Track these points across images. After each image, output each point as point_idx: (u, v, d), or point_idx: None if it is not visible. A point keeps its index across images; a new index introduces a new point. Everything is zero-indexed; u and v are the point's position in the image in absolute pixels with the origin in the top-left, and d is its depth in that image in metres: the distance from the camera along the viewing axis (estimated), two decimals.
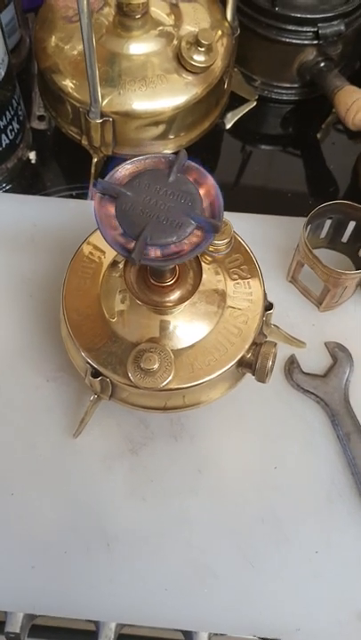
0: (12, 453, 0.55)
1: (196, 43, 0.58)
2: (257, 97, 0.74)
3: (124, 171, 0.41)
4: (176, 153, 0.41)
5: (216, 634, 0.53)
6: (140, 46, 0.60)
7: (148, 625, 0.52)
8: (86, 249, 0.53)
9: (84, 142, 0.63)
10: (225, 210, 0.52)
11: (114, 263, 0.52)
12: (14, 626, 0.51)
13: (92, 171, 0.65)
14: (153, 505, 0.54)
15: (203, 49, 0.58)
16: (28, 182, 0.71)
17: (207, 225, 0.39)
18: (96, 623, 0.53)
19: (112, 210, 0.39)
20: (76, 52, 0.61)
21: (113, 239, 0.39)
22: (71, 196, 0.69)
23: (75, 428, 0.55)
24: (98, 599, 0.52)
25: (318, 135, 0.76)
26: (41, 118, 0.73)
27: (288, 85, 0.73)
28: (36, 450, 0.56)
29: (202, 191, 0.40)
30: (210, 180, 0.40)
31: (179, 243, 0.39)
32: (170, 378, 0.47)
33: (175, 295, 0.49)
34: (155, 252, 0.39)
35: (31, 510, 0.54)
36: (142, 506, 0.54)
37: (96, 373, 0.49)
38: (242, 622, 0.51)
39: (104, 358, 0.49)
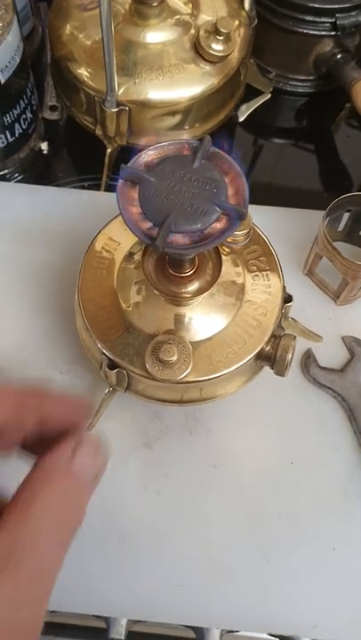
0: None
1: (214, 31, 0.57)
2: (272, 89, 0.74)
3: (147, 157, 0.40)
4: (201, 139, 0.40)
5: (229, 631, 0.53)
6: (156, 35, 0.59)
7: (162, 621, 0.52)
8: (101, 240, 0.53)
9: (99, 132, 0.62)
10: None
11: (130, 254, 0.51)
12: None
13: (106, 161, 0.64)
14: (168, 499, 0.53)
15: (221, 38, 0.57)
16: (39, 173, 0.70)
17: (233, 212, 0.38)
18: (106, 620, 0.53)
19: (135, 196, 0.39)
20: (91, 41, 0.60)
21: (136, 226, 0.38)
22: (83, 187, 0.69)
23: (89, 422, 0.54)
24: (111, 594, 0.51)
25: (333, 130, 0.75)
26: (53, 108, 0.72)
27: (304, 78, 0.72)
28: None
29: (227, 178, 0.39)
30: (235, 166, 0.39)
31: (203, 230, 0.38)
32: (188, 370, 0.46)
33: (194, 286, 0.48)
34: (179, 240, 0.38)
35: None
36: (157, 500, 0.53)
37: (112, 365, 0.49)
38: (257, 619, 0.51)
39: (120, 350, 0.48)
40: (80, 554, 0.52)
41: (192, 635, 0.53)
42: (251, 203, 0.62)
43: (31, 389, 0.35)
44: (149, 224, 0.38)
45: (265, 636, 0.53)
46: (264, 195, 0.69)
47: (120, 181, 0.39)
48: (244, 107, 0.73)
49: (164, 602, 0.51)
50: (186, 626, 0.53)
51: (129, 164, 0.39)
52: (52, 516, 0.31)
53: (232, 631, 0.53)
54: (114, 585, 0.51)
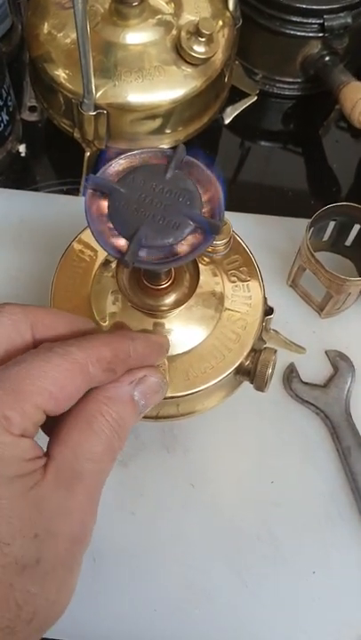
0: None
1: (196, 32, 0.55)
2: (258, 91, 0.71)
3: (117, 166, 0.38)
4: (174, 148, 0.38)
5: None
6: (137, 36, 0.57)
7: None
8: (77, 247, 0.50)
9: (77, 135, 0.60)
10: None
11: (106, 262, 0.49)
12: None
13: (85, 165, 0.62)
14: (143, 520, 0.51)
15: (203, 39, 0.55)
16: (17, 176, 0.67)
17: (207, 225, 0.36)
18: None
19: (104, 207, 0.36)
20: (69, 41, 0.58)
21: (104, 239, 0.36)
22: (62, 192, 0.66)
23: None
24: (82, 618, 0.49)
25: (321, 134, 0.73)
26: (32, 109, 0.69)
27: (291, 80, 0.70)
28: None
29: (202, 189, 0.37)
30: (211, 176, 0.37)
31: (176, 244, 0.36)
32: None
33: (170, 299, 0.46)
34: (149, 255, 0.36)
35: None
36: (132, 520, 0.51)
37: None
38: None
39: None
40: None
41: None
42: (235, 209, 0.61)
43: (120, 335, 0.36)
44: (120, 237, 0.36)
45: None
46: (250, 200, 0.67)
47: (88, 192, 0.37)
48: (229, 109, 0.71)
49: (137, 626, 0.49)
50: None
51: (98, 174, 0.37)
52: (107, 438, 0.33)
53: None
54: (85, 608, 0.49)
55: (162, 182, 0.36)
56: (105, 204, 0.37)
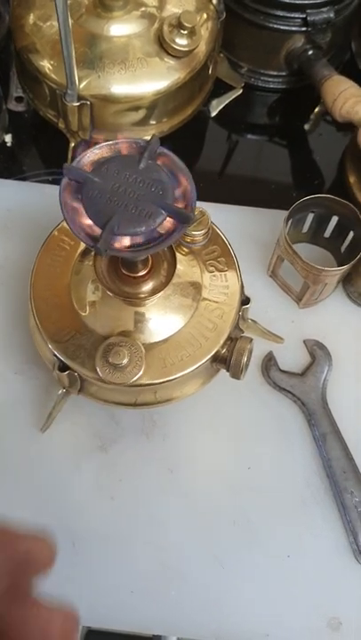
0: None
1: (178, 25, 0.56)
2: (243, 84, 0.72)
3: (92, 156, 0.39)
4: (148, 139, 0.38)
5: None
6: (120, 27, 0.57)
7: (113, 629, 0.51)
8: (58, 235, 0.51)
9: (61, 126, 0.61)
10: (204, 200, 0.50)
11: (86, 251, 0.50)
12: None
13: (69, 155, 0.62)
14: (121, 504, 0.52)
15: (185, 32, 0.56)
16: (3, 166, 0.68)
17: (178, 215, 0.37)
18: None
19: (79, 196, 0.37)
20: (54, 32, 0.58)
21: (78, 227, 0.37)
22: (48, 182, 0.67)
23: (42, 423, 0.53)
24: (60, 600, 0.50)
25: (306, 127, 0.74)
26: (19, 100, 0.70)
27: (275, 73, 0.71)
28: (1, 444, 0.53)
29: (174, 180, 0.38)
30: (183, 167, 0.38)
31: (148, 233, 0.37)
32: (140, 373, 0.45)
33: (148, 286, 0.47)
34: (122, 243, 0.37)
35: None
36: (110, 505, 0.52)
37: (64, 367, 0.47)
38: (209, 627, 0.50)
39: (72, 351, 0.47)
40: None
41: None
42: (219, 199, 0.62)
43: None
44: (94, 226, 0.37)
45: None
46: (233, 192, 0.68)
47: (63, 181, 0.38)
48: (215, 102, 0.72)
49: (114, 608, 0.50)
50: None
51: (73, 163, 0.38)
52: None
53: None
54: (63, 591, 0.50)
55: (135, 172, 0.37)
56: (79, 192, 0.37)
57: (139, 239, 0.37)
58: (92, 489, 0.52)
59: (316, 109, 0.74)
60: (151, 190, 0.37)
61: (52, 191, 0.64)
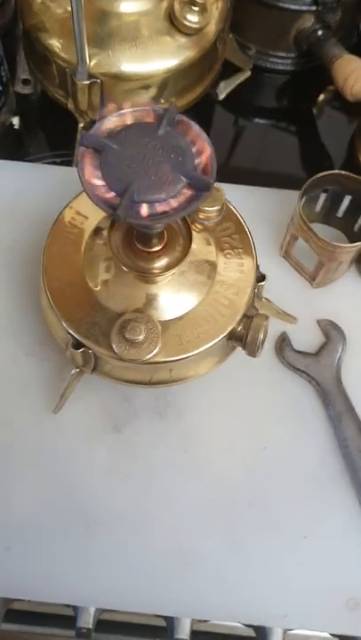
0: None
1: (189, 2, 0.55)
2: (251, 66, 0.71)
3: (110, 123, 0.38)
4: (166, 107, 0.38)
5: (200, 620, 0.51)
6: (131, 5, 0.57)
7: (128, 610, 0.50)
8: (68, 214, 0.51)
9: (70, 106, 0.60)
10: (216, 181, 0.49)
11: (97, 230, 0.49)
12: None
13: (78, 136, 0.62)
14: (136, 485, 0.52)
15: (197, 9, 0.55)
16: (10, 148, 0.68)
17: (199, 182, 0.36)
18: (74, 608, 0.51)
19: (97, 164, 0.37)
20: (62, 10, 0.58)
21: (97, 195, 0.36)
22: (55, 164, 0.67)
23: (55, 404, 0.53)
24: (76, 582, 0.50)
25: (314, 111, 0.73)
26: (25, 82, 0.69)
27: (284, 55, 0.71)
28: (14, 426, 0.53)
29: (194, 148, 0.38)
30: (202, 135, 0.38)
31: (168, 200, 0.36)
32: (156, 350, 0.44)
33: (162, 262, 0.46)
34: (142, 210, 0.36)
35: (7, 489, 0.51)
36: (124, 486, 0.52)
37: (78, 345, 0.47)
38: (226, 608, 0.49)
39: (86, 329, 0.47)
40: (45, 541, 0.50)
41: (163, 623, 0.52)
42: (228, 182, 0.61)
43: None
44: (112, 193, 0.36)
45: (238, 625, 0.51)
46: (243, 174, 0.67)
47: (81, 149, 0.37)
48: (222, 84, 0.71)
49: (130, 590, 0.49)
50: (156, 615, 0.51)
51: (91, 131, 0.37)
52: None
53: (204, 620, 0.51)
54: (79, 573, 0.50)
55: (154, 139, 0.37)
56: (98, 160, 0.37)
57: (158, 206, 0.36)
58: (105, 470, 0.52)
59: (321, 97, 0.74)
60: (170, 157, 0.37)
61: (60, 173, 0.64)
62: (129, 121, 0.38)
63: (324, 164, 0.70)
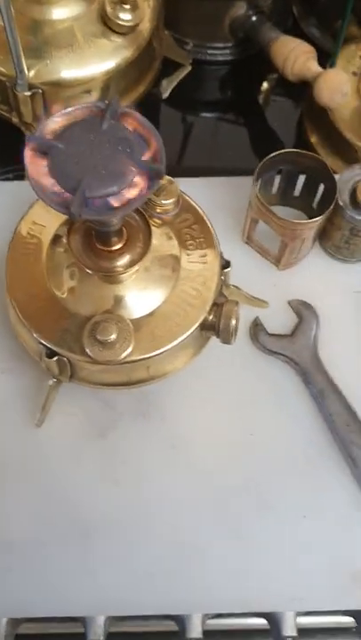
0: None
1: (120, 1, 0.55)
2: (191, 60, 0.72)
3: (53, 124, 0.38)
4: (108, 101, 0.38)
5: (211, 617, 0.51)
6: (61, 11, 0.57)
7: (138, 614, 0.49)
8: (25, 225, 0.50)
9: (15, 119, 0.60)
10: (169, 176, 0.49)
11: (56, 237, 0.49)
12: None
13: None
14: (128, 488, 0.51)
15: (128, 6, 0.55)
16: None
17: (150, 170, 0.36)
18: (83, 623, 0.50)
19: (45, 166, 0.36)
20: None
21: (49, 196, 0.36)
22: (8, 179, 0.66)
23: (37, 418, 0.52)
24: (82, 593, 0.49)
25: (260, 99, 0.74)
26: None
27: (222, 45, 0.71)
28: None
29: (140, 138, 0.37)
30: (147, 123, 0.37)
31: (121, 192, 0.36)
32: (130, 348, 0.44)
33: (125, 259, 0.46)
34: (96, 204, 0.36)
35: (2, 511, 0.50)
36: (118, 490, 0.51)
37: (51, 353, 0.46)
38: (237, 598, 0.49)
39: (58, 336, 0.46)
40: (45, 556, 0.49)
41: (174, 626, 0.51)
42: (182, 176, 0.61)
43: None
44: (64, 192, 0.36)
45: (249, 619, 0.51)
46: (197, 170, 0.67)
47: (27, 152, 0.36)
48: (165, 82, 0.71)
49: (137, 594, 0.49)
50: (165, 616, 0.50)
51: (35, 134, 0.37)
52: None
53: (214, 616, 0.51)
54: (84, 583, 0.49)
55: (99, 134, 0.37)
56: (45, 162, 0.36)
57: (112, 200, 0.36)
58: (96, 477, 0.51)
59: (265, 85, 0.74)
60: (118, 149, 0.36)
61: (13, 188, 0.63)
62: (72, 120, 0.38)
63: (276, 146, 0.70)
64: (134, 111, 0.38)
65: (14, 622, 0.50)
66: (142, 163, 0.36)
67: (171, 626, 0.51)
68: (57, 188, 0.36)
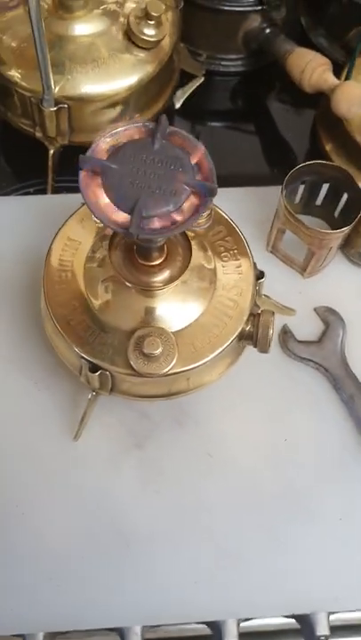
0: (14, 468, 0.52)
1: (145, 16, 0.56)
2: (204, 72, 0.73)
3: (103, 144, 0.38)
4: (156, 120, 0.38)
5: (244, 620, 0.51)
6: (84, 27, 0.57)
7: (180, 622, 0.50)
8: (60, 241, 0.50)
9: (39, 134, 0.60)
10: None
11: (94, 251, 0.49)
12: None
13: (50, 163, 0.62)
14: (167, 497, 0.52)
15: (153, 22, 0.56)
16: None
17: (203, 188, 0.37)
18: (120, 632, 0.50)
19: (99, 186, 0.37)
20: (17, 41, 0.58)
21: (106, 216, 0.36)
22: (29, 194, 0.66)
23: (74, 431, 0.52)
24: (125, 604, 0.50)
25: (270, 108, 0.75)
26: None
27: (234, 57, 0.72)
28: (38, 460, 0.52)
29: (190, 156, 0.38)
30: (196, 143, 0.38)
31: (176, 211, 0.37)
32: (174, 361, 0.45)
33: (165, 275, 0.47)
34: (152, 224, 0.36)
35: (44, 524, 0.51)
36: (156, 499, 0.52)
37: (94, 368, 0.47)
38: (276, 601, 0.50)
39: (99, 350, 0.47)
40: (88, 568, 0.50)
41: (208, 631, 0.52)
42: None
43: None
44: (121, 213, 0.37)
45: (281, 621, 0.52)
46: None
47: (82, 173, 0.37)
48: (179, 92, 0.72)
49: (179, 601, 0.50)
50: (200, 622, 0.51)
51: (87, 154, 0.38)
52: None
53: (247, 619, 0.52)
54: (125, 593, 0.50)
55: (151, 153, 0.37)
56: (99, 183, 0.37)
57: (168, 219, 0.36)
58: (135, 488, 0.52)
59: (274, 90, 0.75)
60: (170, 168, 0.37)
61: (35, 202, 0.64)
62: (121, 140, 0.38)
63: (290, 156, 0.71)
64: (180, 130, 0.38)
65: (50, 636, 0.50)
66: (195, 181, 0.37)
67: (205, 630, 0.52)
68: (113, 208, 0.37)
